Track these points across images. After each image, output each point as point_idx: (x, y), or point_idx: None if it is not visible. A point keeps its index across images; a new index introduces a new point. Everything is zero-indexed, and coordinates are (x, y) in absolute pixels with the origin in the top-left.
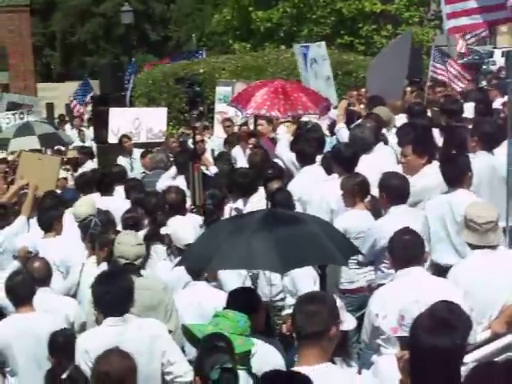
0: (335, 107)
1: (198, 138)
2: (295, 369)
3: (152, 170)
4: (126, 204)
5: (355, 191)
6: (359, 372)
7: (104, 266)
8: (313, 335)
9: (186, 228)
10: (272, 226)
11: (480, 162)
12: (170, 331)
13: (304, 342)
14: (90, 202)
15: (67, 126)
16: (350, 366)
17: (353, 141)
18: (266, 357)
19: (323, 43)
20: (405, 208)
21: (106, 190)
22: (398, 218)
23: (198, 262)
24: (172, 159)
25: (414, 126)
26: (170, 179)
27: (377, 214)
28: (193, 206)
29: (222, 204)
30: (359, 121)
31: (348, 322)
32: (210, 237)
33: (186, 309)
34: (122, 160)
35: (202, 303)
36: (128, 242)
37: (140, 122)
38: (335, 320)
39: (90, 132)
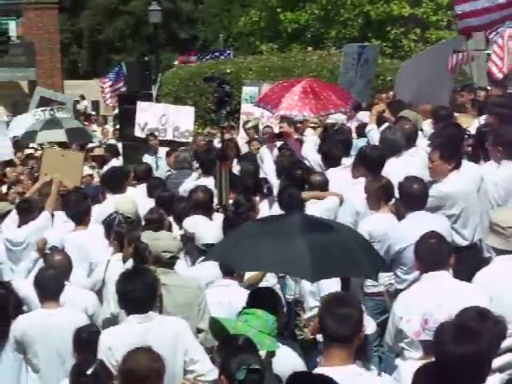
0: (364, 109)
1: (227, 136)
2: (318, 370)
3: (177, 169)
4: (149, 202)
5: (379, 194)
6: (379, 375)
7: (130, 263)
8: (345, 338)
9: (208, 227)
10: (305, 231)
11: (507, 171)
12: (203, 330)
13: (333, 344)
14: (132, 200)
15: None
16: (369, 370)
17: (383, 143)
18: (286, 358)
19: (378, 45)
20: (422, 213)
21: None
22: (414, 223)
23: (227, 260)
24: (197, 159)
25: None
26: (193, 182)
27: (401, 218)
28: (218, 206)
29: (248, 211)
30: (385, 124)
31: (368, 325)
32: (242, 235)
33: (215, 308)
34: (147, 158)
35: (232, 303)
36: (168, 237)
37: (167, 119)
38: (362, 323)
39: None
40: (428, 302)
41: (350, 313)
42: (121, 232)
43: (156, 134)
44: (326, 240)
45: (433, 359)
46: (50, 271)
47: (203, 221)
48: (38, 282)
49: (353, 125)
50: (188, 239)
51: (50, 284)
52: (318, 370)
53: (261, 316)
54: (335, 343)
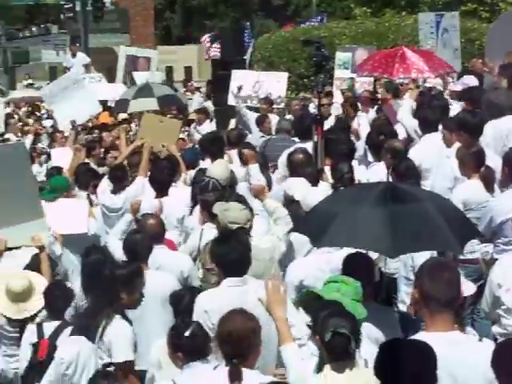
0: (469, 73)
1: (324, 101)
2: (420, 335)
3: (277, 133)
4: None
5: (470, 161)
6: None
7: None
8: (449, 302)
9: (313, 193)
10: (389, 203)
11: None
12: None
13: (438, 308)
14: (226, 165)
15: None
16: (466, 333)
17: (486, 105)
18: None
19: (457, 13)
20: None
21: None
22: None
23: (311, 233)
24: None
25: None
26: None
27: (488, 186)
28: None
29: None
30: None
31: (466, 287)
32: (329, 206)
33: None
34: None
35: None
36: (236, 208)
37: (260, 86)
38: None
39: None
40: None
41: (453, 276)
42: (208, 200)
43: (248, 101)
44: (410, 212)
45: None
46: (138, 235)
47: (306, 185)
48: (126, 246)
49: (456, 87)
50: (288, 202)
51: (138, 247)
52: (419, 336)
53: (350, 283)
54: (439, 308)
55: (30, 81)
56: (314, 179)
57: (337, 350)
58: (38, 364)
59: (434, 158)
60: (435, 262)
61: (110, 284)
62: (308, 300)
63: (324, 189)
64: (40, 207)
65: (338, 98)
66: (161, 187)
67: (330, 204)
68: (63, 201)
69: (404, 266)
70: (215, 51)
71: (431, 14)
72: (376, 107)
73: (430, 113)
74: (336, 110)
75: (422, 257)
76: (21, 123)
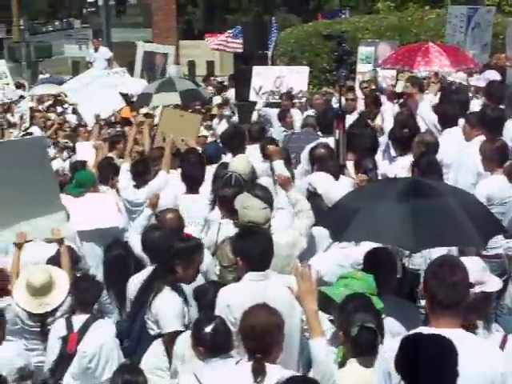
0: (491, 67)
1: (350, 96)
2: (424, 329)
3: (303, 127)
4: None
5: (493, 156)
6: (505, 338)
7: None
8: (454, 304)
9: (335, 187)
10: (411, 198)
11: None
12: None
13: (441, 310)
14: (247, 159)
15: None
16: (490, 330)
17: (509, 100)
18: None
19: (493, 8)
20: None
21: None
22: None
23: (333, 228)
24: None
25: None
26: None
27: None
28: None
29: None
30: None
31: (492, 283)
32: (351, 201)
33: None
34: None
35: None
36: (256, 206)
37: (281, 82)
38: (469, 287)
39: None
40: None
41: (458, 278)
42: (226, 196)
43: (270, 97)
44: (433, 207)
45: None
46: (156, 233)
47: (329, 179)
48: (145, 243)
49: (479, 83)
50: (311, 195)
51: (158, 245)
52: (423, 330)
53: (360, 277)
54: (442, 309)
55: (47, 75)
56: (336, 174)
57: (363, 344)
58: (68, 357)
59: (455, 153)
60: (443, 262)
61: (166, 257)
62: (319, 299)
63: (346, 183)
64: (59, 200)
65: (360, 93)
66: (193, 183)
67: (352, 199)
68: (92, 195)
69: (424, 261)
70: (215, 44)
71: (462, 8)
72: (400, 101)
73: (450, 107)
74: (361, 104)
75: (438, 252)
76: (43, 117)
